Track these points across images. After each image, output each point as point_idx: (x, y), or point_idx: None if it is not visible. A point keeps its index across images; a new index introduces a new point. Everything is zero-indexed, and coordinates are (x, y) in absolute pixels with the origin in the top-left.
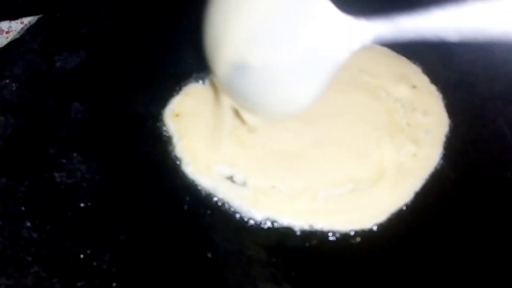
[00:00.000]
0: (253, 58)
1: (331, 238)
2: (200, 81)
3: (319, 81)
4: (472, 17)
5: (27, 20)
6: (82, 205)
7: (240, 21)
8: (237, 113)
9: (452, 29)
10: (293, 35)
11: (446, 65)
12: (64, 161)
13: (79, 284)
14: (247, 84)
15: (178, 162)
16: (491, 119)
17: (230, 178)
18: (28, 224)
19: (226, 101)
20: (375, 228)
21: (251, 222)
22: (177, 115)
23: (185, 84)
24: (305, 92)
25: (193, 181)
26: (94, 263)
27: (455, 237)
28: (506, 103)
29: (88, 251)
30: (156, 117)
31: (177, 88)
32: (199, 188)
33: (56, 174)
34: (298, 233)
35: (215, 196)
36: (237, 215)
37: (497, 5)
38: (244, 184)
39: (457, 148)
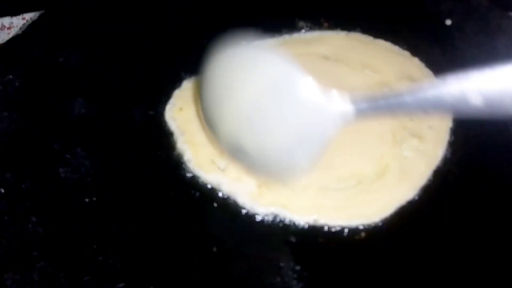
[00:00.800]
0: (247, 141)
1: (336, 233)
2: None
3: (311, 155)
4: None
5: (29, 16)
6: (87, 200)
7: (232, 109)
8: None
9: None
10: (282, 119)
11: (449, 60)
12: (68, 156)
13: (85, 279)
14: (245, 159)
15: (181, 157)
16: None
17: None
18: (34, 219)
19: None
20: (380, 223)
21: (256, 217)
22: (180, 109)
23: (186, 78)
24: (299, 166)
25: (196, 176)
26: (100, 258)
27: (459, 232)
28: None
29: (94, 246)
30: (158, 112)
31: (178, 82)
32: (203, 183)
33: (61, 170)
34: (303, 228)
35: (219, 191)
36: (242, 210)
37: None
38: (248, 178)
39: (461, 143)
